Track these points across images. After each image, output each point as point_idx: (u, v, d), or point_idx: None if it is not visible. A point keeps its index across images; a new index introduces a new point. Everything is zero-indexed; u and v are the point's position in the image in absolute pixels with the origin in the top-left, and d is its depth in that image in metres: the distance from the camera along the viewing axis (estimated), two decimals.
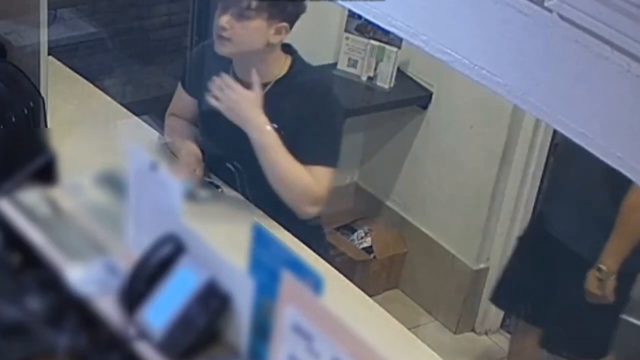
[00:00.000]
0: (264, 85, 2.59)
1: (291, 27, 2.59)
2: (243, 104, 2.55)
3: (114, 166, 1.91)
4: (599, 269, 2.81)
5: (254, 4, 2.50)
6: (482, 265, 3.81)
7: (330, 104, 2.71)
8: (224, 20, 2.53)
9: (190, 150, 2.76)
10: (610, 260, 2.81)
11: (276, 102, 2.59)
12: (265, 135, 2.56)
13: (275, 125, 2.61)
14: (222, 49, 2.59)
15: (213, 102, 2.57)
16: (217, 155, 2.78)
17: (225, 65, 2.65)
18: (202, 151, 2.89)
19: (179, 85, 2.87)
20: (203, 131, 2.86)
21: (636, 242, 2.82)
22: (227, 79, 2.57)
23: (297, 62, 2.68)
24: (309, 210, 2.65)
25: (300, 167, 2.59)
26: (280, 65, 2.65)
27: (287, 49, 2.66)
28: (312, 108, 2.64)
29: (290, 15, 2.57)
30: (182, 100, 2.85)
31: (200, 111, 2.81)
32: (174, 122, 2.86)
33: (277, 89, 2.63)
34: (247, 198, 2.72)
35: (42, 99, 2.63)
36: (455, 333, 3.90)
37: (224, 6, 2.55)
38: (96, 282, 1.78)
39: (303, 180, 2.60)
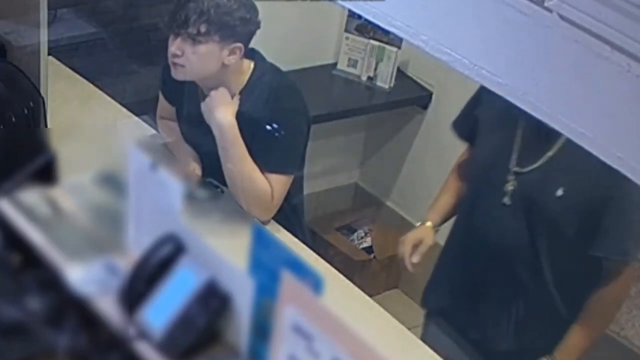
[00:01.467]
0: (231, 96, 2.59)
1: (246, 46, 2.53)
2: (215, 103, 2.54)
3: (114, 166, 1.91)
4: None
5: (202, 28, 2.45)
6: None
7: (291, 111, 2.65)
8: (175, 46, 2.48)
9: (188, 150, 2.76)
10: (569, 356, 2.50)
11: (242, 109, 2.58)
12: (224, 134, 2.54)
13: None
14: (177, 75, 2.55)
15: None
16: (216, 155, 2.78)
17: None
18: (200, 151, 2.89)
19: (160, 91, 2.86)
20: (195, 132, 2.86)
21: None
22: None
23: (258, 67, 2.63)
24: (259, 216, 2.63)
25: (257, 172, 2.57)
26: (242, 76, 2.61)
27: (249, 53, 2.60)
28: (272, 115, 2.60)
29: (243, 35, 2.50)
30: (165, 105, 2.85)
31: (179, 119, 2.80)
32: (166, 124, 2.86)
33: (242, 97, 2.61)
34: None
35: (42, 99, 2.63)
36: None
37: (175, 31, 2.49)
38: (96, 282, 1.78)
39: (256, 185, 2.58)
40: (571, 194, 2.39)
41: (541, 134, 2.40)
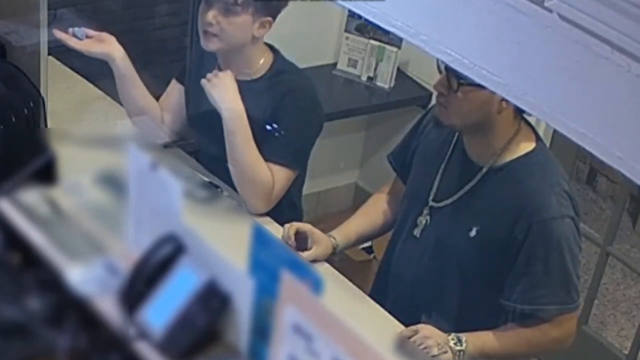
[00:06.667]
0: (248, 80, 2.60)
1: (274, 20, 2.59)
2: (223, 85, 2.53)
3: (114, 166, 1.91)
4: (459, 340, 2.34)
5: None
6: None
7: (309, 110, 2.69)
8: (210, 15, 2.52)
9: None
10: (475, 345, 2.35)
11: (257, 98, 2.59)
12: (235, 119, 2.54)
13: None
14: (209, 45, 2.58)
15: (203, 84, 2.55)
16: (217, 156, 2.78)
17: (212, 59, 2.66)
18: (200, 151, 2.89)
19: (172, 80, 2.89)
20: (197, 132, 2.86)
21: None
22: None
23: (280, 60, 2.67)
24: (257, 206, 2.63)
25: (261, 161, 2.58)
26: (263, 61, 2.64)
27: (269, 46, 2.66)
28: (290, 110, 2.62)
29: (274, 10, 2.56)
30: (170, 92, 2.87)
31: (192, 113, 2.81)
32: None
33: (260, 85, 2.63)
34: None
35: (42, 99, 2.63)
36: None
37: (208, 1, 2.53)
38: (96, 282, 1.78)
39: (260, 175, 2.59)
40: (484, 235, 2.35)
41: (462, 171, 2.39)
